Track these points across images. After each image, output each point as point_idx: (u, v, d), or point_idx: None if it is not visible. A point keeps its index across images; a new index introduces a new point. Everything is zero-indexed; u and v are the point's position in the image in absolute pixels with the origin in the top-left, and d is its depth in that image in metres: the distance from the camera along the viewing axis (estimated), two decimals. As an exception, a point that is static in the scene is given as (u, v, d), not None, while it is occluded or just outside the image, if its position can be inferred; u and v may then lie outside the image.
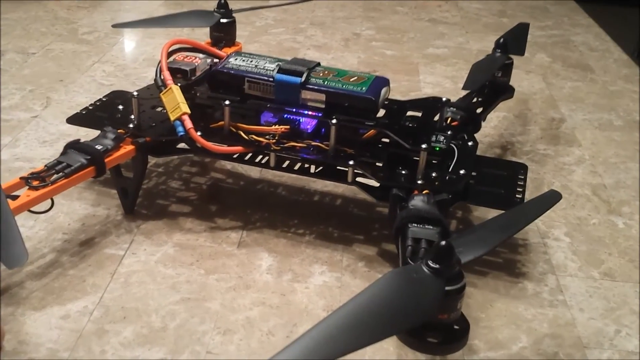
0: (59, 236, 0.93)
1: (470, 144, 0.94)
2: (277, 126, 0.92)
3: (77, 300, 0.82)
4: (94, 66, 1.51)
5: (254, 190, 1.08)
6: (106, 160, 0.90)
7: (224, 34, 1.22)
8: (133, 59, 1.58)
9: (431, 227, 0.77)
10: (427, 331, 0.54)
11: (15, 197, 0.81)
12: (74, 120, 1.03)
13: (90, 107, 1.05)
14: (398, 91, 1.45)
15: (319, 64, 0.96)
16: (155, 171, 1.10)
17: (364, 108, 0.89)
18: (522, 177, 0.95)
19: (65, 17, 1.80)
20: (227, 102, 0.91)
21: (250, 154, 0.95)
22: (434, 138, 0.90)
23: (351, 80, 0.91)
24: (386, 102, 0.97)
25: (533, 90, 1.52)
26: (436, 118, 0.96)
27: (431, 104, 0.99)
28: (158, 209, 1.01)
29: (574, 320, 0.84)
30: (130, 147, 0.93)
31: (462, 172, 0.87)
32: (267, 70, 0.93)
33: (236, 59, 0.96)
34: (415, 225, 0.78)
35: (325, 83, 0.91)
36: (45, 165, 0.86)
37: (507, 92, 1.18)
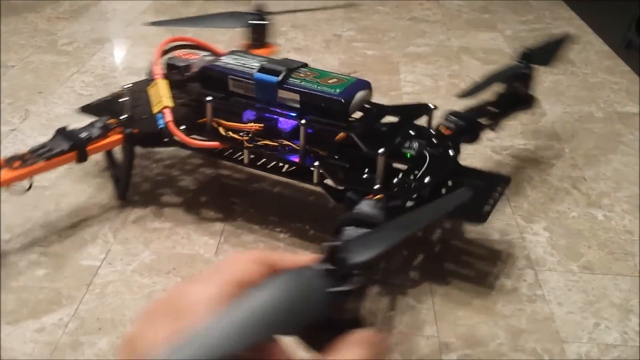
0: (35, 249, 0.93)
1: (451, 153, 0.91)
2: (252, 124, 0.92)
3: (52, 313, 0.81)
4: (73, 77, 1.50)
5: (233, 193, 1.08)
6: (89, 147, 0.93)
7: (257, 36, 1.23)
8: (112, 69, 1.57)
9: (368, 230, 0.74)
10: (321, 332, 0.51)
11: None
12: (86, 109, 1.06)
13: (104, 99, 1.08)
14: (378, 91, 1.44)
15: (305, 65, 0.95)
16: (137, 176, 1.10)
17: (335, 109, 0.88)
18: (500, 189, 0.92)
19: (45, 29, 1.80)
20: (209, 98, 0.92)
21: (229, 150, 0.96)
22: (407, 144, 0.89)
23: (329, 82, 0.91)
24: (368, 106, 0.95)
25: (514, 85, 1.52)
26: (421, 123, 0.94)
27: (414, 110, 0.97)
28: (136, 217, 1.01)
29: (553, 314, 0.84)
30: (117, 137, 0.97)
31: (426, 180, 0.85)
32: (250, 68, 0.92)
33: (229, 58, 0.96)
34: (351, 228, 0.74)
35: (302, 83, 0.90)
36: (31, 149, 0.90)
37: (525, 102, 1.11)
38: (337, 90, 0.89)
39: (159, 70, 0.97)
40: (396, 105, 1.01)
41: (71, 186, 1.08)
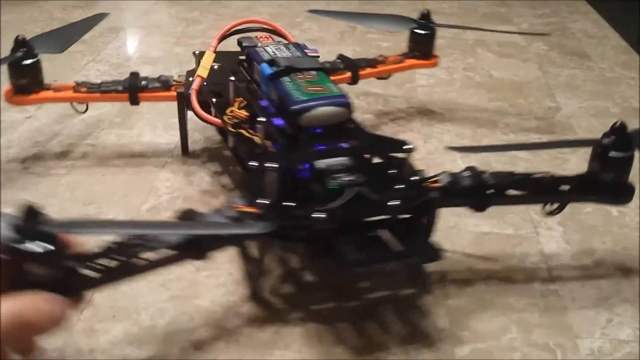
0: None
1: (392, 203, 0.75)
2: (242, 111, 0.91)
3: (67, 300, 0.82)
4: (89, 65, 1.51)
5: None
6: (142, 94, 1.09)
7: (415, 45, 1.23)
8: (127, 58, 1.58)
9: None
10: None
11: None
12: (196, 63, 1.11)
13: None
14: (392, 83, 1.44)
15: (322, 70, 0.89)
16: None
17: (287, 115, 0.82)
18: (411, 259, 0.80)
19: (61, 18, 1.80)
20: (232, 78, 0.96)
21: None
22: (341, 174, 0.76)
23: (310, 89, 0.83)
24: (352, 125, 0.85)
25: (529, 79, 1.51)
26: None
27: (386, 144, 0.84)
28: (150, 205, 1.01)
29: (566, 309, 0.84)
30: (171, 94, 1.09)
31: (315, 215, 0.71)
32: (267, 57, 0.92)
33: (274, 46, 0.95)
34: None
35: (285, 83, 0.85)
36: (101, 81, 1.10)
37: (613, 193, 0.85)
38: (302, 98, 0.82)
39: (214, 43, 1.06)
40: (369, 133, 0.89)
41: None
